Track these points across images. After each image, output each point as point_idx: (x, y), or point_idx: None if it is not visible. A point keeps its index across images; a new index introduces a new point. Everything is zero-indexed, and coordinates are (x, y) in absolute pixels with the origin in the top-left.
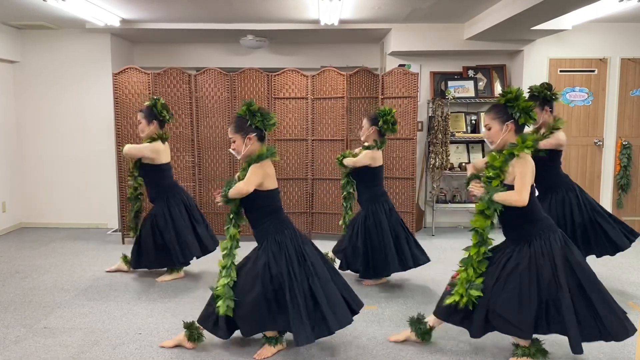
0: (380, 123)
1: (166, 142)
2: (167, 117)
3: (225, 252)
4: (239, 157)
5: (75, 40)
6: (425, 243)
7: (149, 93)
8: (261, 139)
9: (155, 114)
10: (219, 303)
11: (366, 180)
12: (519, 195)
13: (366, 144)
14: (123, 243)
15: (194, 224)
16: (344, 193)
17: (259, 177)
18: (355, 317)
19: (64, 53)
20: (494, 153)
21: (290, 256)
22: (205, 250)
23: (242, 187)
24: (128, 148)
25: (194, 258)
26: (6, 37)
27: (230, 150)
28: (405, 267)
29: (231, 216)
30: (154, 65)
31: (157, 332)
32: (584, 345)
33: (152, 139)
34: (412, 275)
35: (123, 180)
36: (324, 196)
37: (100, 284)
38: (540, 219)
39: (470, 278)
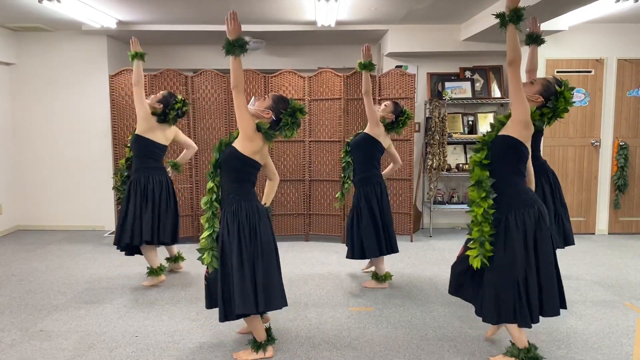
0: (401, 118)
1: (169, 126)
2: (171, 116)
3: (206, 206)
4: (250, 105)
5: (71, 42)
6: (423, 244)
7: (146, 95)
8: (272, 126)
9: (169, 105)
10: (204, 255)
11: (364, 157)
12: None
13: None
14: None
15: (149, 212)
16: (343, 163)
17: (252, 124)
18: (353, 319)
19: (60, 55)
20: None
21: (243, 229)
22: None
23: (242, 95)
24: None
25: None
26: (2, 39)
27: (254, 98)
28: (382, 253)
29: (211, 170)
30: (151, 67)
31: (154, 335)
32: (585, 347)
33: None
34: (410, 276)
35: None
36: (321, 197)
37: (97, 286)
38: (522, 192)
39: (485, 234)
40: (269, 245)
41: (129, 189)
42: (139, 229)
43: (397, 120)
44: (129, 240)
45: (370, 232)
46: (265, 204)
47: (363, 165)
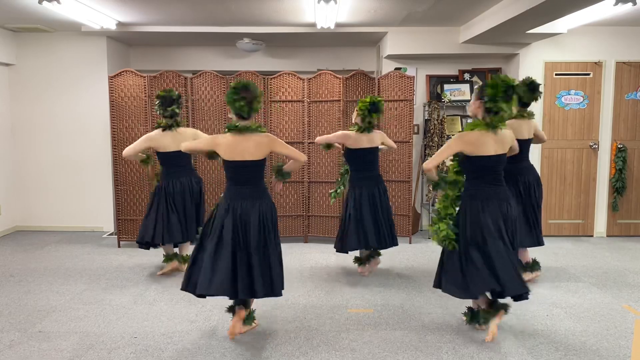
0: (374, 114)
1: (171, 130)
2: (177, 110)
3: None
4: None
5: (71, 43)
6: (422, 246)
7: (145, 96)
8: (240, 116)
9: (169, 102)
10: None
11: (353, 162)
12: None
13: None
14: (119, 246)
15: (170, 212)
16: (342, 170)
17: (207, 142)
18: (351, 321)
19: (60, 56)
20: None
21: (234, 221)
22: (171, 239)
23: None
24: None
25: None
26: (1, 39)
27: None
28: (382, 247)
29: None
30: (150, 68)
31: (153, 336)
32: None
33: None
34: (409, 278)
35: (119, 184)
36: (320, 199)
37: (96, 287)
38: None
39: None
40: (256, 236)
41: (158, 195)
42: (166, 229)
43: (371, 116)
44: (161, 240)
45: (371, 226)
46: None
47: (357, 171)
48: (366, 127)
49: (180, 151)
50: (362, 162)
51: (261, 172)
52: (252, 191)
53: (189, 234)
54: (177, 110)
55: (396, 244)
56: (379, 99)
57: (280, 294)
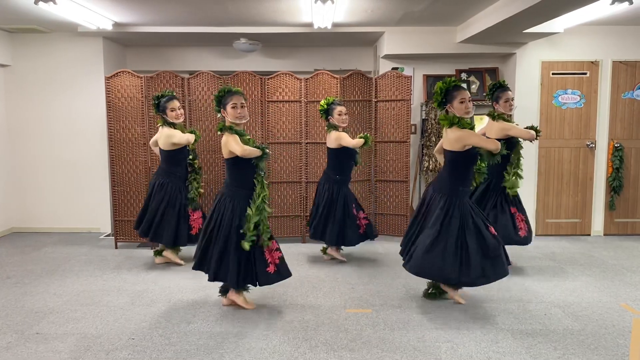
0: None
1: (161, 128)
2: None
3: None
4: (245, 120)
5: (67, 43)
6: None
7: (142, 96)
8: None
9: (159, 104)
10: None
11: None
12: None
13: None
14: (116, 247)
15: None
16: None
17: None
18: (350, 321)
19: (56, 56)
20: None
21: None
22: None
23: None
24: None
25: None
26: None
27: (244, 112)
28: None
29: None
30: (147, 69)
31: (151, 337)
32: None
33: None
34: (407, 278)
35: (116, 185)
36: None
37: (93, 288)
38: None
39: None
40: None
41: (153, 187)
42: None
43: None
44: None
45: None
46: None
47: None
48: (328, 127)
49: (158, 150)
50: (330, 160)
51: (229, 169)
52: (224, 185)
53: (151, 232)
54: (157, 110)
55: (323, 240)
56: (330, 99)
57: (210, 279)
